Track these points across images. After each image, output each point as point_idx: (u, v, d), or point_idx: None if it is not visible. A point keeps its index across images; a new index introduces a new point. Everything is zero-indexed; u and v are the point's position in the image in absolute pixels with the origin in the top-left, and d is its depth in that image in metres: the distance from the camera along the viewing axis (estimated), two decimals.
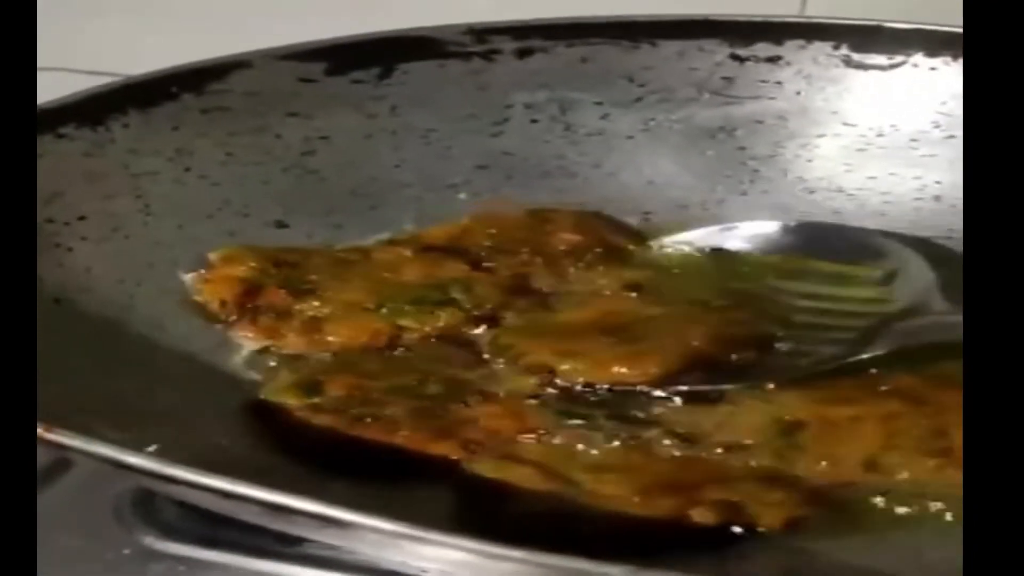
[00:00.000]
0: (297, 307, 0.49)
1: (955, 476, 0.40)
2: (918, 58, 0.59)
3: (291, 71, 0.57)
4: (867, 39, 0.60)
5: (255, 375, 0.47)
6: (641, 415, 0.44)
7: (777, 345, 0.47)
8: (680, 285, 0.52)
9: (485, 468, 0.41)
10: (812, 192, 0.59)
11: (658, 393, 0.45)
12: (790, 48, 0.61)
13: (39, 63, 0.74)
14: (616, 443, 0.42)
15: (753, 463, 0.41)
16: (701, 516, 0.38)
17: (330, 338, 0.48)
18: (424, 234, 0.54)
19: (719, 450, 0.42)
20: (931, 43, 0.59)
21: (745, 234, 0.55)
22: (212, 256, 0.51)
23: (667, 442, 0.43)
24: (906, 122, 0.59)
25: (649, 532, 0.38)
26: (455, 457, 0.41)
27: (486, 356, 0.47)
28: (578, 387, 0.45)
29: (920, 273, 0.51)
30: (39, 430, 0.34)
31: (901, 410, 0.43)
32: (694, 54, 0.61)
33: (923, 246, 0.53)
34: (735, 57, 0.61)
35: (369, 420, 0.43)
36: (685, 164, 0.60)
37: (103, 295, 0.47)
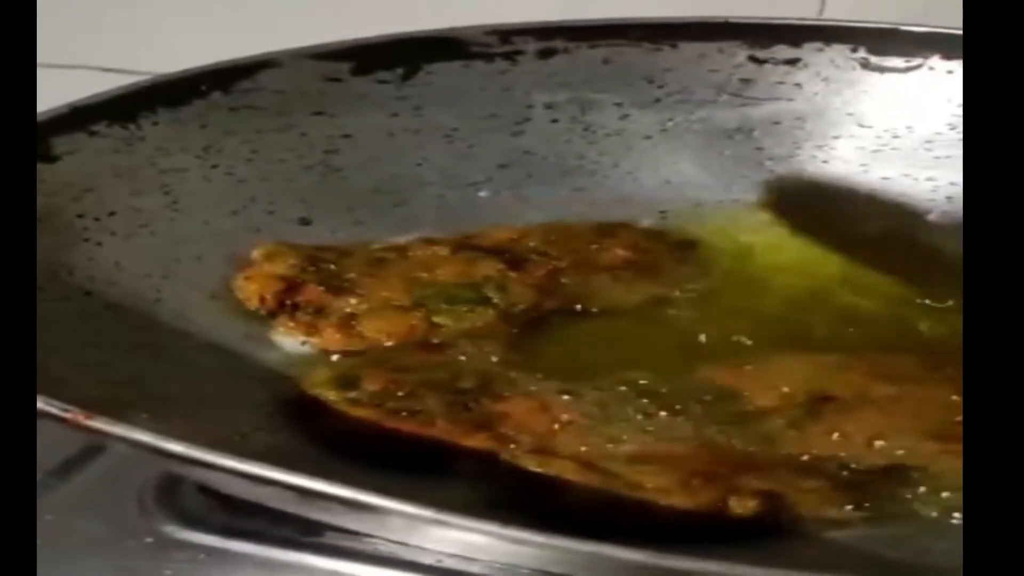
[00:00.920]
0: (335, 304, 0.50)
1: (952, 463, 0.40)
2: (935, 61, 0.60)
3: (318, 70, 0.58)
4: (884, 42, 0.61)
5: (284, 367, 0.48)
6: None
7: None
8: None
9: (526, 462, 0.41)
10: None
11: None
12: (808, 50, 0.62)
13: (72, 61, 0.76)
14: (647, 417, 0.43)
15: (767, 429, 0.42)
16: (740, 506, 0.39)
17: (367, 334, 0.49)
18: (485, 234, 0.56)
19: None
20: (948, 46, 0.59)
21: None
22: (254, 253, 0.52)
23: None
24: (921, 124, 0.60)
25: (687, 522, 0.39)
26: (490, 449, 0.42)
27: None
28: None
29: None
30: (80, 418, 0.35)
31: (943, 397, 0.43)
32: (714, 56, 0.62)
33: None
34: (754, 59, 0.62)
35: (405, 414, 0.44)
36: (702, 164, 0.61)
37: (131, 288, 0.48)
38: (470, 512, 0.32)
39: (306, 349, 0.49)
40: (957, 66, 0.60)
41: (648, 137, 0.61)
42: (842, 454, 0.42)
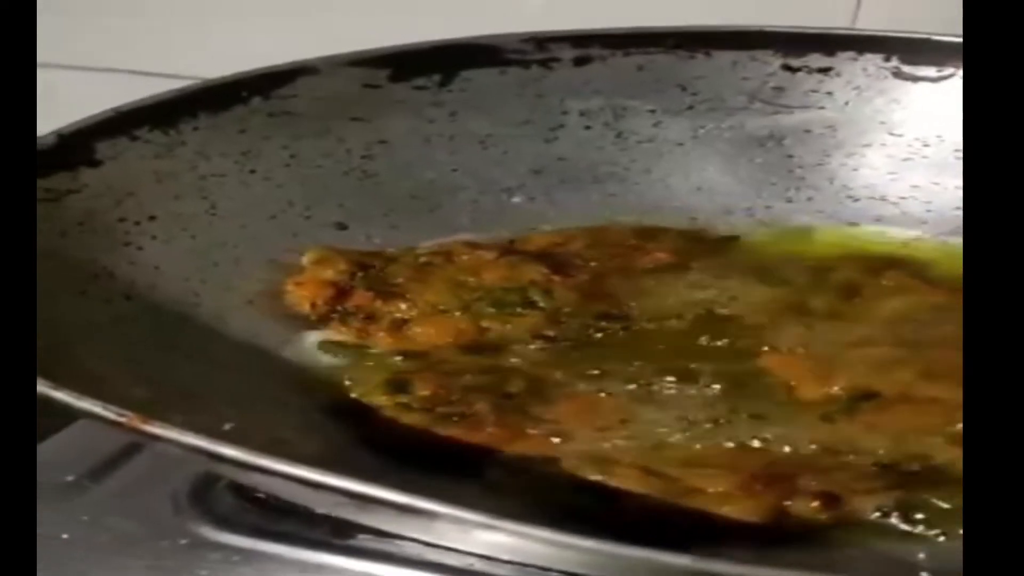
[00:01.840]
0: (384, 309, 0.51)
1: None
2: None
3: (356, 77, 0.60)
4: (917, 51, 0.61)
5: (324, 371, 0.49)
6: None
7: None
8: None
9: (586, 470, 0.42)
10: (856, 200, 0.60)
11: None
12: (842, 59, 0.62)
13: (115, 65, 0.77)
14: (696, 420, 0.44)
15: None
16: (802, 508, 0.39)
17: (417, 338, 0.50)
18: (528, 239, 0.57)
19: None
20: None
21: None
22: (303, 259, 0.53)
23: None
24: (952, 133, 0.60)
25: (748, 527, 0.39)
26: (543, 454, 0.43)
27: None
28: None
29: None
30: (136, 422, 0.36)
31: None
32: (747, 64, 0.63)
33: None
34: (787, 67, 0.63)
35: (456, 419, 0.45)
36: (733, 171, 0.62)
37: (170, 292, 0.49)
38: (530, 520, 0.32)
39: (347, 353, 0.50)
40: None
41: (680, 144, 0.62)
42: (880, 451, 0.42)
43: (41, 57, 0.79)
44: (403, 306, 0.51)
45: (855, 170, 0.61)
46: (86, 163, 0.51)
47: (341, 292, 0.51)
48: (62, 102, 0.68)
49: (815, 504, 0.39)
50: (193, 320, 0.49)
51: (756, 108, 0.63)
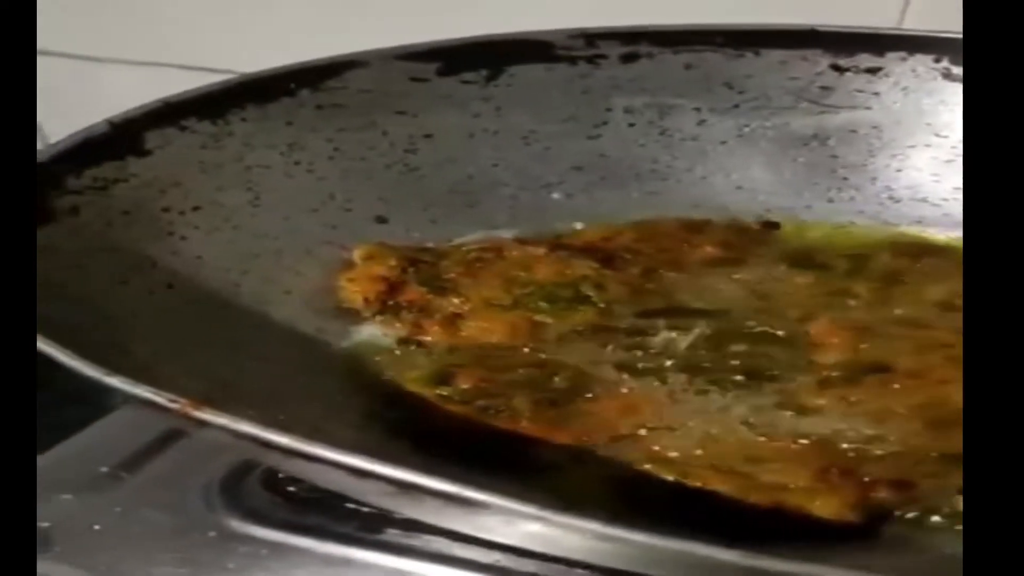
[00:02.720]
0: (437, 303, 0.52)
1: None
2: None
3: (404, 71, 0.60)
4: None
5: (365, 362, 0.49)
6: None
7: None
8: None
9: (665, 471, 0.42)
10: (897, 201, 0.61)
11: None
12: (891, 59, 0.63)
13: (169, 60, 0.79)
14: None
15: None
16: (882, 497, 0.40)
17: (470, 333, 0.51)
18: (577, 234, 0.58)
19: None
20: None
21: None
22: (354, 254, 0.54)
23: None
24: None
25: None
26: (573, 444, 0.43)
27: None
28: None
29: None
30: (188, 408, 0.36)
31: None
32: (796, 63, 0.63)
33: None
34: (836, 67, 0.63)
35: (493, 412, 0.45)
36: (775, 170, 0.62)
37: (211, 282, 0.50)
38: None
39: (387, 343, 0.50)
40: None
41: (724, 142, 0.63)
42: None
43: (86, 51, 0.82)
44: (456, 301, 0.52)
45: (898, 171, 0.61)
46: (135, 152, 0.52)
47: (393, 287, 0.52)
48: (105, 96, 0.70)
49: (891, 493, 0.40)
50: (235, 311, 0.50)
51: (802, 108, 0.63)
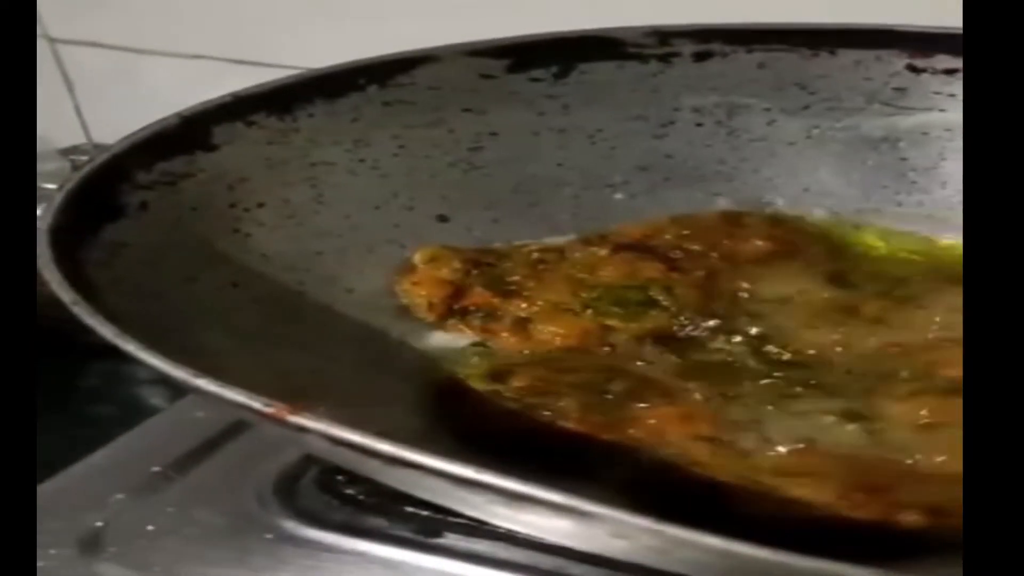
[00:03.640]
0: (504, 307, 0.52)
1: None
2: None
3: (474, 67, 0.60)
4: None
5: (429, 361, 0.50)
6: None
7: None
8: None
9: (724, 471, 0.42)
10: None
11: None
12: None
13: (212, 53, 0.80)
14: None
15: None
16: (911, 520, 0.39)
17: (540, 337, 0.51)
18: (618, 231, 0.58)
19: None
20: None
21: None
22: (415, 257, 0.55)
23: None
24: None
25: (853, 535, 0.39)
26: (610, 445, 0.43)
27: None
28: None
29: None
30: (284, 413, 0.36)
31: None
32: (871, 63, 0.63)
33: None
34: (912, 68, 0.63)
35: (539, 410, 0.45)
36: (843, 172, 0.62)
37: (276, 280, 0.51)
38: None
39: (452, 344, 0.51)
40: None
41: (792, 144, 0.62)
42: None
43: (129, 42, 0.84)
44: (523, 304, 0.52)
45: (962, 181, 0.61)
46: (203, 147, 0.53)
47: (458, 290, 0.52)
48: (147, 88, 0.72)
49: (921, 517, 0.39)
50: (300, 310, 0.51)
51: (874, 109, 0.63)
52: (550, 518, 0.34)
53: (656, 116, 0.62)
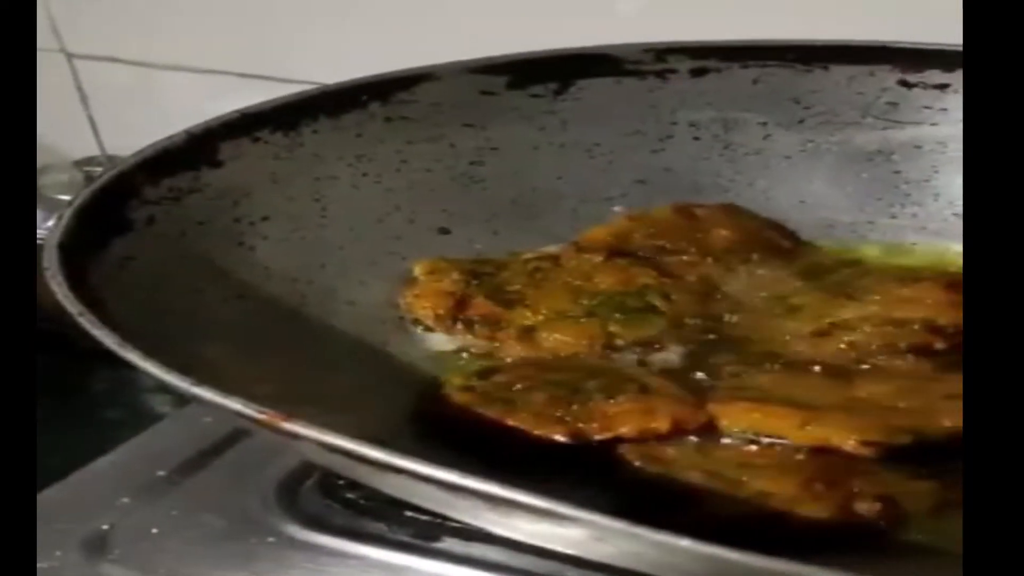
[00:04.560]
0: (508, 316, 0.53)
1: None
2: None
3: (474, 83, 0.62)
4: None
5: (427, 370, 0.51)
6: None
7: None
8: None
9: (654, 468, 0.44)
10: (961, 217, 0.61)
11: None
12: (960, 76, 0.63)
13: (225, 68, 0.81)
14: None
15: None
16: (866, 510, 0.41)
17: (547, 344, 0.52)
18: (587, 236, 0.59)
19: None
20: None
21: None
22: (416, 270, 0.56)
23: None
24: None
25: (814, 526, 0.41)
26: (560, 439, 0.45)
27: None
28: None
29: None
30: (278, 420, 0.37)
31: None
32: (864, 79, 0.64)
33: None
34: (904, 83, 0.64)
35: (501, 404, 0.46)
36: (838, 185, 0.63)
37: (278, 292, 0.52)
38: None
39: (451, 352, 0.52)
40: None
41: (788, 157, 0.64)
42: None
43: (144, 57, 0.85)
44: (527, 313, 0.53)
45: (960, 189, 0.62)
46: (208, 163, 0.54)
47: (461, 301, 0.53)
48: (162, 103, 0.73)
49: (875, 506, 0.41)
50: (301, 321, 0.52)
51: (867, 123, 0.64)
52: (533, 522, 0.36)
53: (653, 131, 0.64)
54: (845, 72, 0.64)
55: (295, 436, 0.37)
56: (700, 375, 0.50)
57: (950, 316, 0.51)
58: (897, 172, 0.63)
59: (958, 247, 0.60)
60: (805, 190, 0.63)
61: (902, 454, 0.44)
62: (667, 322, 0.53)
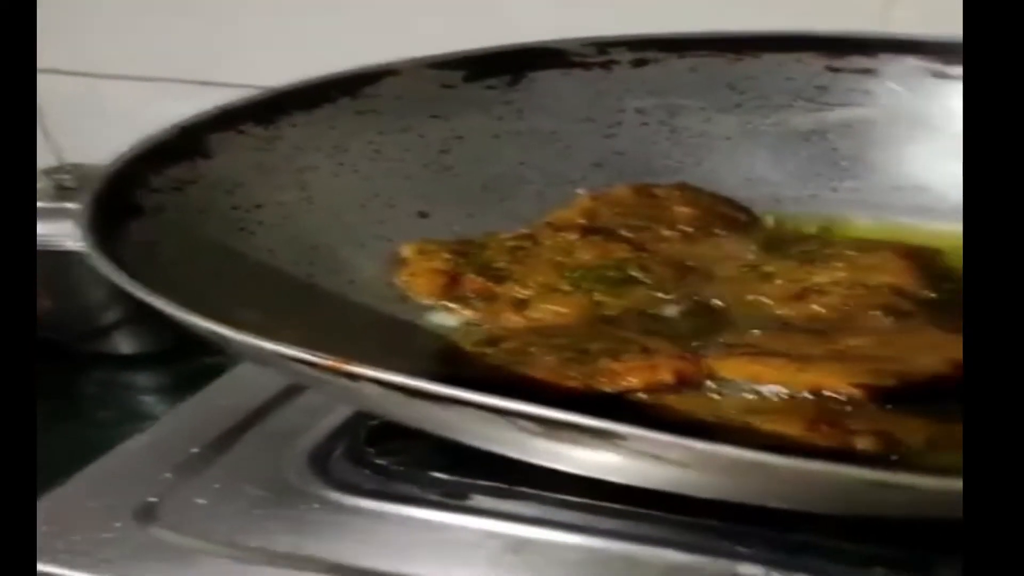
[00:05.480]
0: (500, 290, 0.55)
1: None
2: None
3: (435, 78, 0.65)
4: (953, 52, 0.66)
5: (437, 336, 0.54)
6: None
7: None
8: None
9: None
10: (899, 189, 0.65)
11: None
12: (882, 60, 0.67)
13: (171, 75, 0.83)
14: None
15: None
16: (868, 444, 0.44)
17: (541, 315, 0.54)
18: (557, 216, 0.62)
19: None
20: None
21: None
22: (405, 252, 0.58)
23: None
24: None
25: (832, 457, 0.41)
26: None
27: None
28: None
29: None
30: (341, 364, 0.39)
31: None
32: (792, 65, 0.68)
33: None
34: (830, 68, 0.68)
35: (517, 363, 0.49)
36: (779, 163, 0.67)
37: (286, 272, 0.55)
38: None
39: (455, 323, 0.55)
40: None
41: (729, 139, 0.67)
42: None
43: (92, 68, 0.86)
44: (517, 287, 0.55)
45: (896, 163, 0.66)
46: (202, 155, 0.56)
47: (453, 279, 0.56)
48: (111, 110, 0.74)
49: (873, 442, 0.44)
50: (315, 297, 0.54)
51: (800, 106, 0.68)
52: (587, 448, 0.38)
53: (604, 118, 0.67)
54: (774, 59, 0.68)
55: (356, 378, 0.39)
56: (692, 338, 0.52)
57: (912, 282, 0.55)
58: (834, 150, 0.67)
59: (899, 218, 0.64)
60: (749, 169, 0.66)
61: (889, 398, 0.47)
62: (650, 291, 0.55)
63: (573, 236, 0.59)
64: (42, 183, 0.66)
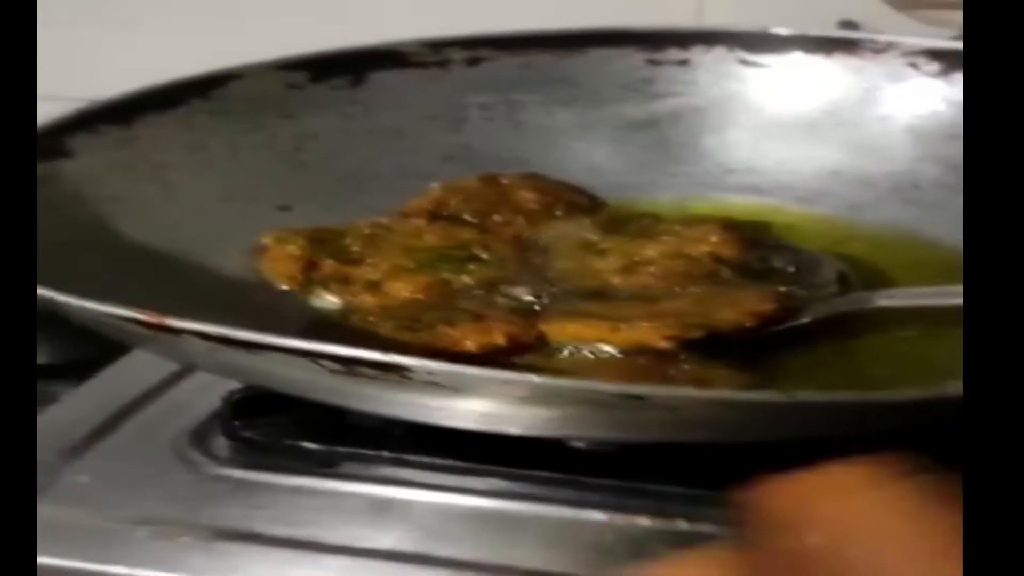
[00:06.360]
0: (355, 273, 0.57)
1: None
2: (798, 56, 0.69)
3: (281, 79, 0.66)
4: (758, 42, 0.70)
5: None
6: None
7: None
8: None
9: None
10: (730, 171, 0.69)
11: None
12: (695, 52, 0.71)
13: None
14: None
15: None
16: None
17: (394, 293, 0.56)
18: (409, 205, 0.63)
19: None
20: (808, 44, 0.69)
21: None
22: (265, 240, 0.59)
23: None
24: (801, 110, 0.69)
25: None
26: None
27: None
28: None
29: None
30: (163, 319, 0.41)
31: None
32: (616, 60, 0.71)
33: None
34: (651, 62, 0.71)
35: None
36: (619, 152, 0.69)
37: (156, 260, 0.56)
38: None
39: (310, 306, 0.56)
40: (819, 60, 0.69)
41: (568, 131, 0.70)
42: None
43: None
44: (370, 270, 0.57)
45: (725, 147, 0.69)
46: (61, 155, 0.57)
47: (310, 263, 0.58)
48: None
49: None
50: (182, 284, 0.55)
51: (629, 97, 0.71)
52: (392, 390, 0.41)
53: (448, 114, 0.69)
54: (599, 55, 0.71)
55: (179, 332, 0.41)
56: (529, 309, 0.55)
57: (730, 250, 0.59)
58: (667, 137, 0.70)
59: (732, 197, 0.67)
60: (592, 158, 0.69)
61: (701, 351, 0.51)
62: (491, 268, 0.58)
63: (422, 222, 0.61)
64: None
